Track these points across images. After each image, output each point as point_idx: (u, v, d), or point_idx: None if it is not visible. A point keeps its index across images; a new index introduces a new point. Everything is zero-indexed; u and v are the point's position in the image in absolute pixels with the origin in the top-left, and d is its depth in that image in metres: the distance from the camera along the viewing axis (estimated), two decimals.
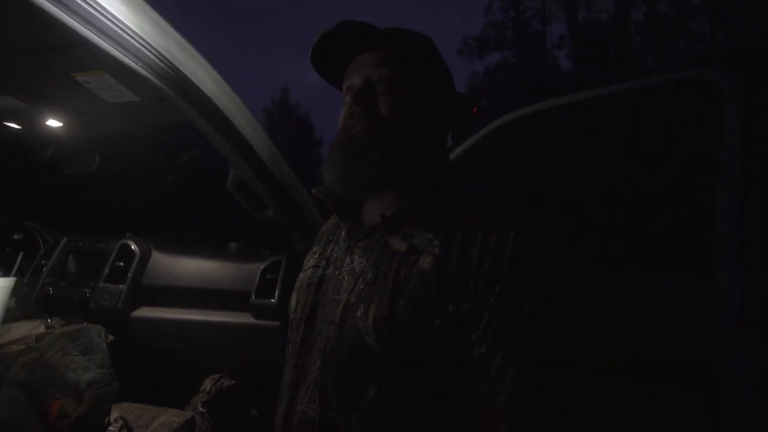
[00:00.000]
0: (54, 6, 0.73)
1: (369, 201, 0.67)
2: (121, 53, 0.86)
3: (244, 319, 1.37)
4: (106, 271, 1.52)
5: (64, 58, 1.08)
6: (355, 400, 0.53)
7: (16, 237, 1.64)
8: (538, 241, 0.53)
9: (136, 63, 0.89)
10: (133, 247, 1.56)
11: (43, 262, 1.58)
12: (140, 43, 0.86)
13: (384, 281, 0.55)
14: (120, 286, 1.48)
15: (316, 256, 0.71)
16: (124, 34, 0.82)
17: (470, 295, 0.50)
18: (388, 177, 0.60)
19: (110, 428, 0.89)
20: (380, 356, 0.52)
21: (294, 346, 0.64)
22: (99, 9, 0.76)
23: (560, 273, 0.54)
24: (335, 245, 0.68)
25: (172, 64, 0.93)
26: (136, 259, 1.53)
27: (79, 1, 0.73)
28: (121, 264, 1.53)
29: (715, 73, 1.03)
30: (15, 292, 1.33)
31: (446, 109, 0.66)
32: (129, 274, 1.50)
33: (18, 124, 1.46)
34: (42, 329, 1.07)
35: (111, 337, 1.05)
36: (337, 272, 0.63)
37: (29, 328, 1.10)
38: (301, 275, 0.71)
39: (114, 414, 0.95)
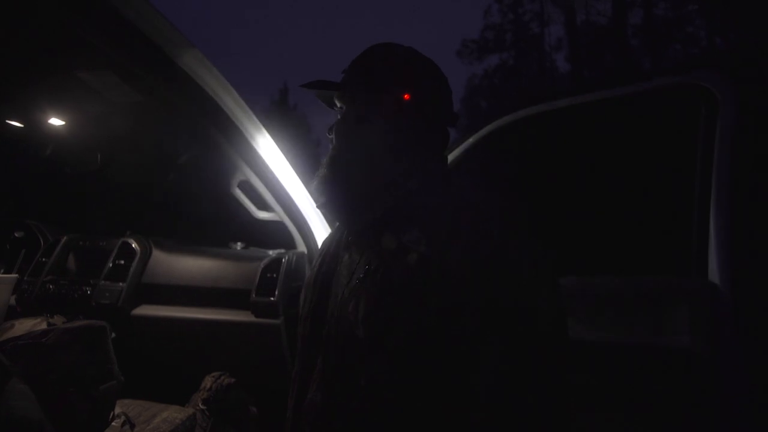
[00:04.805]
0: (63, 7, 0.74)
1: (363, 208, 0.70)
2: (127, 54, 0.88)
3: (245, 317, 1.38)
4: (107, 268, 1.53)
5: (69, 57, 1.09)
6: (351, 388, 0.56)
7: (17, 234, 1.64)
8: (521, 240, 0.55)
9: (140, 63, 0.90)
10: (133, 246, 1.57)
11: (43, 259, 1.59)
12: (145, 44, 0.87)
13: (374, 277, 0.57)
14: (120, 284, 1.49)
15: (321, 254, 0.76)
16: (131, 35, 0.83)
17: (453, 292, 0.52)
18: (346, 200, 0.67)
19: (113, 423, 0.90)
20: (369, 348, 0.55)
21: (302, 340, 0.69)
22: (106, 9, 0.78)
23: (544, 272, 0.54)
24: (337, 244, 0.73)
25: (176, 64, 0.94)
26: (137, 258, 1.54)
27: (86, 2, 0.75)
28: (122, 262, 1.54)
29: (709, 77, 1.05)
30: (15, 289, 1.34)
31: (418, 112, 0.66)
32: (130, 272, 1.51)
33: (20, 122, 1.46)
34: (44, 326, 1.08)
35: (113, 334, 1.06)
36: (336, 269, 0.67)
37: (31, 325, 1.11)
38: (308, 274, 0.77)
39: (116, 410, 0.96)
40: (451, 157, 1.58)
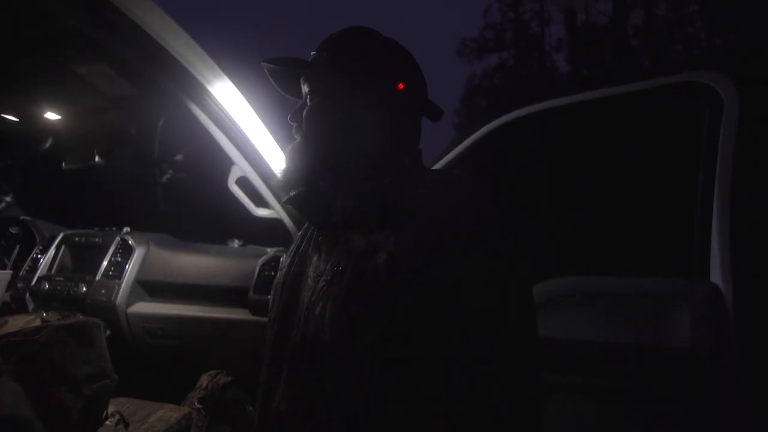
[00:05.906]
0: None
1: (335, 199, 0.66)
2: (122, 45, 0.86)
3: (242, 315, 1.37)
4: (104, 266, 1.51)
5: (63, 50, 1.08)
6: (318, 395, 0.53)
7: (12, 231, 1.63)
8: (493, 236, 0.52)
9: (136, 55, 0.88)
10: (130, 243, 1.55)
11: (39, 256, 1.57)
12: (140, 35, 0.85)
13: (341, 279, 0.55)
14: (116, 281, 1.48)
15: (291, 254, 0.72)
16: (126, 26, 0.82)
17: (421, 290, 0.50)
18: (319, 195, 0.62)
19: (107, 422, 0.89)
20: (335, 353, 0.53)
21: (269, 345, 0.64)
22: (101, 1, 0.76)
23: (514, 269, 0.52)
24: (308, 243, 0.69)
25: (171, 55, 0.92)
26: (134, 255, 1.53)
27: None
28: (119, 259, 1.53)
29: (714, 77, 1.04)
30: (10, 285, 1.32)
31: (408, 103, 0.63)
32: (126, 269, 1.50)
33: (15, 117, 1.45)
34: (38, 323, 1.07)
35: (108, 332, 1.05)
36: (306, 270, 0.64)
37: (25, 322, 1.09)
38: (278, 274, 0.72)
39: (110, 408, 0.95)
40: (450, 156, 1.57)
